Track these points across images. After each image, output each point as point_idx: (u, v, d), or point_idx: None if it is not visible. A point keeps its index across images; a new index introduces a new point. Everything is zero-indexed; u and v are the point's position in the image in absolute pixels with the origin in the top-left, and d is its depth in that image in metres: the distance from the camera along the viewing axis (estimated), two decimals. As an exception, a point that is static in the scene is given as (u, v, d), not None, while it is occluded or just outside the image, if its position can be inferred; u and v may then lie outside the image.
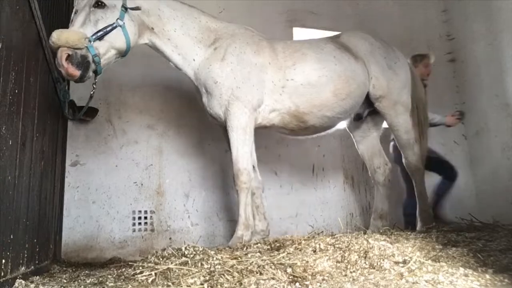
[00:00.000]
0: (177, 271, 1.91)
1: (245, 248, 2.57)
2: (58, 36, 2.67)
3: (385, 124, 4.51)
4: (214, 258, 2.05)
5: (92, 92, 3.13)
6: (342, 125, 4.08)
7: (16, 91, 2.05)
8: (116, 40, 2.96)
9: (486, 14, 5.21)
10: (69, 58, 2.70)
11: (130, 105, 4.32)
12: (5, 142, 1.88)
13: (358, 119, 3.99)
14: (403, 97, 3.82)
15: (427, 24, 5.78)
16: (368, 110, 3.94)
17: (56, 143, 3.57)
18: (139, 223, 4.07)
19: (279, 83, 3.34)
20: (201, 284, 1.74)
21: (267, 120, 3.41)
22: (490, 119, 5.13)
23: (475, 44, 5.39)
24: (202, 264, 1.98)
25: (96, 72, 2.91)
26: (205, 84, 3.26)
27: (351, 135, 4.16)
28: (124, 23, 2.96)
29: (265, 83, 3.31)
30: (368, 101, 3.80)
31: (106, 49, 2.91)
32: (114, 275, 2.20)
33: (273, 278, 1.78)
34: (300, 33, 5.17)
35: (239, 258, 2.12)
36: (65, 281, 2.27)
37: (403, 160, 3.95)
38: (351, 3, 5.43)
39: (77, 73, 2.75)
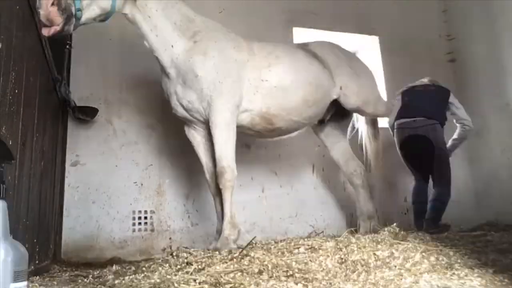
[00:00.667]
0: (177, 273, 1.91)
1: (245, 249, 2.57)
2: None
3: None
4: (215, 259, 2.05)
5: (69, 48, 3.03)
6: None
7: (16, 91, 2.05)
8: None
9: (486, 14, 5.20)
10: (55, 2, 2.47)
11: (130, 105, 4.31)
12: (5, 142, 1.87)
13: (321, 123, 4.07)
14: (376, 95, 4.06)
15: (427, 24, 5.77)
16: (330, 115, 3.98)
17: (56, 143, 3.57)
18: (139, 223, 4.06)
19: (254, 83, 3.27)
20: (201, 284, 1.74)
21: (238, 121, 3.26)
22: (490, 119, 5.13)
23: (475, 44, 5.39)
24: (203, 267, 1.98)
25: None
26: (185, 76, 3.09)
27: (323, 142, 4.21)
28: None
29: (243, 80, 3.22)
30: (329, 107, 3.83)
31: (89, 5, 2.70)
32: (114, 275, 2.20)
33: (273, 278, 1.78)
34: (300, 33, 5.15)
35: (239, 259, 2.12)
36: (65, 281, 2.27)
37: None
38: (351, 3, 5.41)
39: (59, 20, 2.49)
